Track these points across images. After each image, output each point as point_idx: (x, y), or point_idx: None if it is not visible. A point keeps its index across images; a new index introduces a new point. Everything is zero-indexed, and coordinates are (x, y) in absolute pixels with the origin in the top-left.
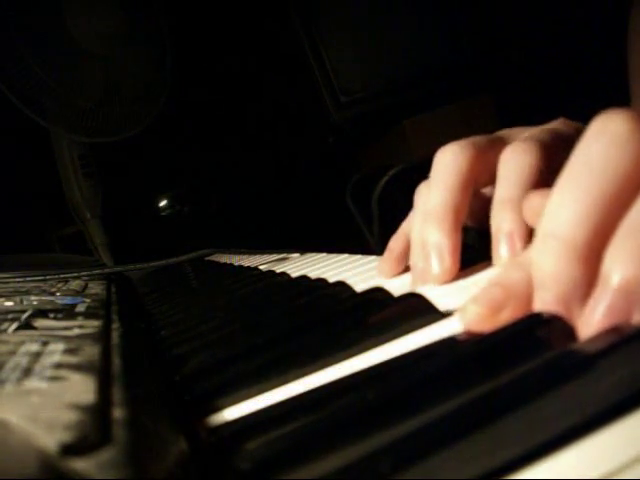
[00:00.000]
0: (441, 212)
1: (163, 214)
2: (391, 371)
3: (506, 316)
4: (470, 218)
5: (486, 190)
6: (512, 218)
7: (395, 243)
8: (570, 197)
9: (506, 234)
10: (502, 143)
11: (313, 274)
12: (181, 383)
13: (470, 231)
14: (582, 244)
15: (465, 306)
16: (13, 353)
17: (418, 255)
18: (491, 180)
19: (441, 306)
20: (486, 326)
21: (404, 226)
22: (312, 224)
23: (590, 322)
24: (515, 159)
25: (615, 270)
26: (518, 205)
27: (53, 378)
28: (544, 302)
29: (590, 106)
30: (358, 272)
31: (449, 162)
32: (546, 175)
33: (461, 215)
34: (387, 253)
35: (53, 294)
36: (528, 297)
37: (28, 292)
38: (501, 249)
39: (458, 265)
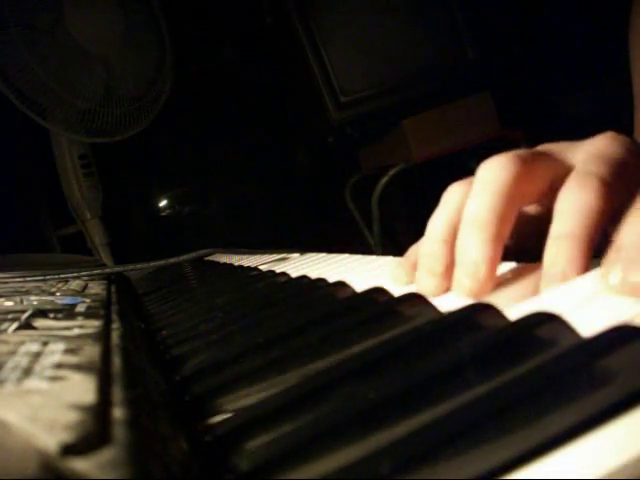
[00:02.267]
0: (485, 219)
1: (163, 214)
2: (391, 371)
3: None
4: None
5: (528, 209)
6: (570, 256)
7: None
8: None
9: (560, 272)
10: (548, 160)
11: (313, 274)
12: (181, 383)
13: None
14: None
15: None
16: (13, 353)
17: (436, 258)
18: (536, 198)
19: (442, 306)
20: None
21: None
22: (312, 224)
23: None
24: (580, 197)
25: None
26: (578, 241)
27: (53, 378)
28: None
29: (590, 104)
30: (358, 272)
31: (497, 172)
32: (608, 215)
33: (506, 228)
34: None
35: (53, 294)
36: None
37: (28, 292)
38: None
39: (494, 278)
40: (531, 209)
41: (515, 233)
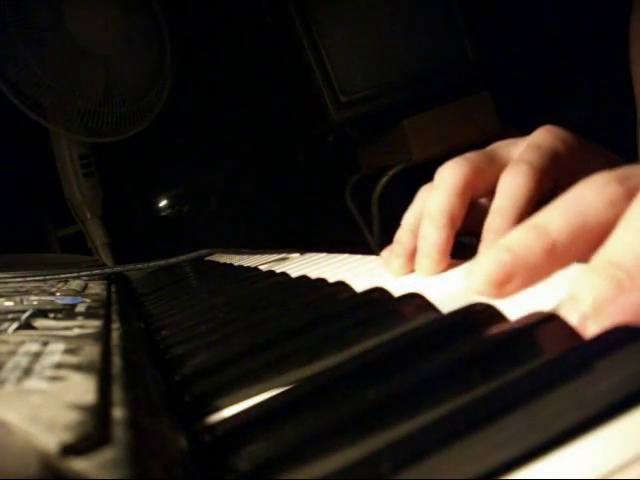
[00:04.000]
0: (437, 212)
1: (163, 214)
2: (392, 370)
3: (514, 288)
4: (470, 228)
5: (485, 202)
6: (501, 222)
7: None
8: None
9: (494, 230)
10: (494, 157)
11: (313, 274)
12: (181, 383)
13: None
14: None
15: (472, 270)
16: (13, 353)
17: (403, 244)
18: (486, 191)
19: (443, 307)
20: (493, 294)
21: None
22: (312, 224)
23: None
24: (510, 181)
25: None
26: (508, 213)
27: (53, 378)
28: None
29: (589, 103)
30: (358, 272)
31: (447, 175)
32: (536, 193)
33: (456, 217)
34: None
35: (53, 294)
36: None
37: (28, 292)
38: (487, 241)
39: (446, 259)
40: (489, 202)
41: (476, 222)
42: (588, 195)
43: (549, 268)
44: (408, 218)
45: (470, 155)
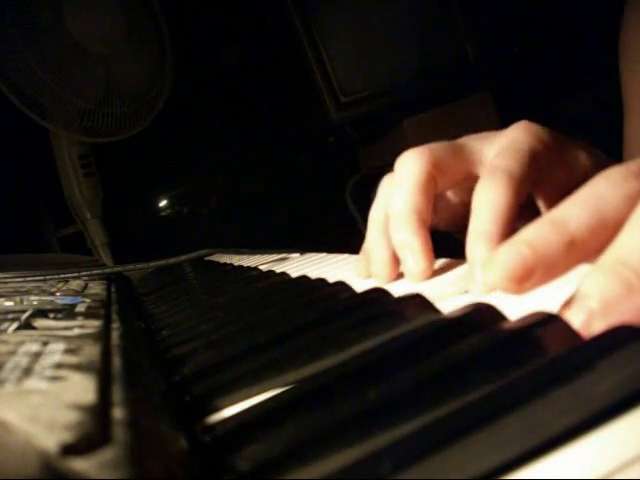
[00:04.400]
0: (405, 215)
1: (163, 214)
2: (391, 370)
3: (533, 284)
4: (439, 222)
5: (450, 195)
6: (485, 251)
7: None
8: None
9: (478, 263)
10: (462, 151)
11: (313, 274)
12: (181, 383)
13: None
14: None
15: (488, 265)
16: (13, 353)
17: (380, 250)
18: (451, 185)
19: (443, 307)
20: (511, 289)
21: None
22: (312, 224)
23: None
24: (488, 196)
25: None
26: (491, 240)
27: (53, 378)
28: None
29: (590, 104)
30: None
31: (408, 168)
32: (515, 205)
33: (424, 215)
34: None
35: (53, 294)
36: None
37: (28, 292)
38: (476, 276)
39: (432, 258)
40: (455, 196)
41: (445, 218)
42: (606, 190)
43: (568, 264)
44: (375, 216)
45: (434, 145)
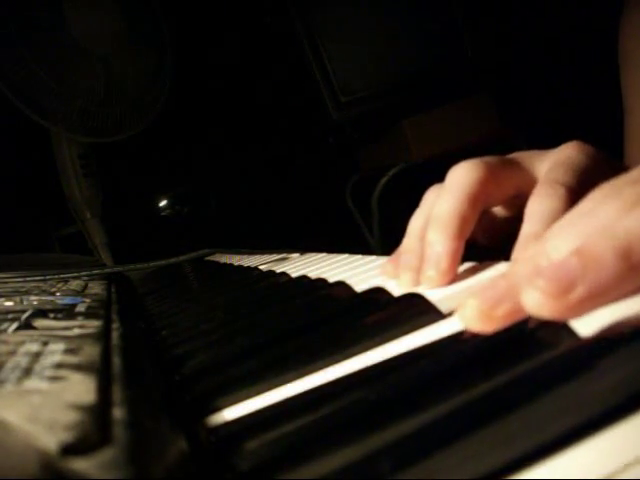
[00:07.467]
0: (447, 218)
1: (163, 214)
2: (391, 371)
3: (505, 310)
4: (480, 236)
5: (497, 210)
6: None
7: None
8: None
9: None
10: (515, 167)
11: (313, 274)
12: (181, 383)
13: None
14: None
15: (464, 301)
16: (13, 353)
17: (413, 254)
18: (501, 200)
19: (442, 307)
20: (485, 323)
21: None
22: (312, 224)
23: None
24: (546, 203)
25: None
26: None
27: (53, 378)
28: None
29: (589, 104)
30: (358, 272)
31: (461, 177)
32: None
33: (467, 226)
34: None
35: (53, 294)
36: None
37: (28, 292)
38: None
39: (455, 270)
40: (502, 211)
41: (486, 232)
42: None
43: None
44: (415, 223)
45: (488, 159)
